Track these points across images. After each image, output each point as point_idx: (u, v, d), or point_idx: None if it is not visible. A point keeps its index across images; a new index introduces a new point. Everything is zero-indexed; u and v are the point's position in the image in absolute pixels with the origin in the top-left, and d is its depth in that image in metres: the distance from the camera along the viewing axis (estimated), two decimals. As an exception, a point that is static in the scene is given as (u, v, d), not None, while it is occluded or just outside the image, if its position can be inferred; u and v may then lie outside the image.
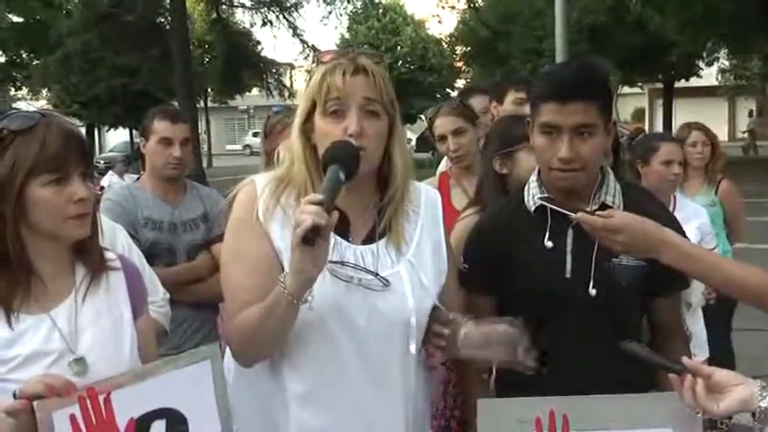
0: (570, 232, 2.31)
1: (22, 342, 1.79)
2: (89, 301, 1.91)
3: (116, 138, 47.34)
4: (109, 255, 2.00)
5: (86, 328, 1.88)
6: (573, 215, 2.19)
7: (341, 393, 2.02)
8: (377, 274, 2.03)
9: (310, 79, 2.07)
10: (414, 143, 29.48)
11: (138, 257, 2.81)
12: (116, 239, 2.77)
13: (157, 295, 2.89)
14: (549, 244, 2.32)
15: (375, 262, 2.05)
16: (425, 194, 2.23)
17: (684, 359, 1.89)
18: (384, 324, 2.03)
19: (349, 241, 2.06)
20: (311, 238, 1.74)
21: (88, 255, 1.94)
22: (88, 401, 1.68)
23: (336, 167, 1.88)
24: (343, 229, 2.05)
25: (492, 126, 3.50)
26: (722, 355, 4.16)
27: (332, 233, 1.87)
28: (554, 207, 2.30)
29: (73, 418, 1.66)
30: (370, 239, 2.09)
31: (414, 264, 2.09)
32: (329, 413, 2.03)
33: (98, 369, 1.82)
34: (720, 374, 1.82)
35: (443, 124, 3.76)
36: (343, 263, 2.01)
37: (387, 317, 2.03)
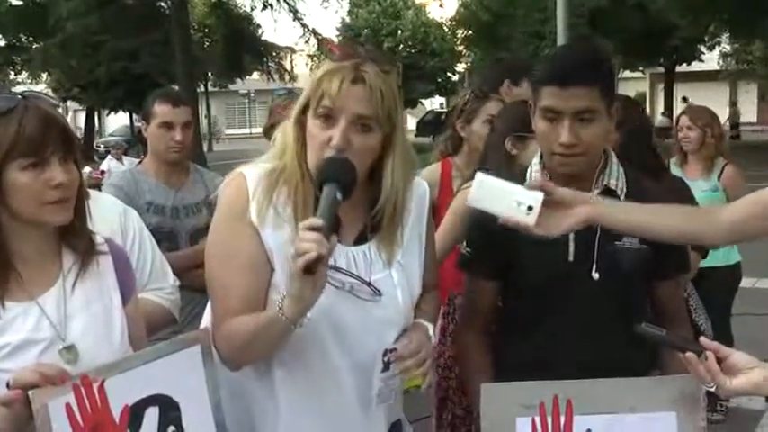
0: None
1: (11, 330, 1.76)
2: (79, 287, 1.87)
3: (116, 122, 47.30)
4: (97, 239, 1.96)
5: (76, 314, 1.84)
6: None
7: (331, 399, 2.00)
8: (369, 284, 1.99)
9: (314, 70, 2.00)
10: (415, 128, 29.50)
11: (149, 241, 2.75)
12: (127, 223, 2.70)
13: (167, 282, 2.79)
14: (551, 228, 2.30)
15: (367, 265, 2.01)
16: (416, 190, 2.15)
17: (702, 339, 1.87)
18: (374, 330, 2.01)
19: (339, 242, 1.96)
20: (312, 267, 1.70)
21: (76, 240, 1.89)
22: (83, 389, 1.65)
23: (333, 187, 1.81)
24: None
25: (512, 105, 3.45)
26: (720, 339, 4.17)
27: None
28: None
29: (68, 406, 1.63)
30: (360, 239, 2.05)
31: (403, 265, 2.07)
32: (320, 417, 2.01)
33: (89, 356, 1.79)
34: (736, 356, 1.82)
35: (497, 107, 3.69)
36: (336, 268, 1.95)
37: (378, 324, 2.01)
